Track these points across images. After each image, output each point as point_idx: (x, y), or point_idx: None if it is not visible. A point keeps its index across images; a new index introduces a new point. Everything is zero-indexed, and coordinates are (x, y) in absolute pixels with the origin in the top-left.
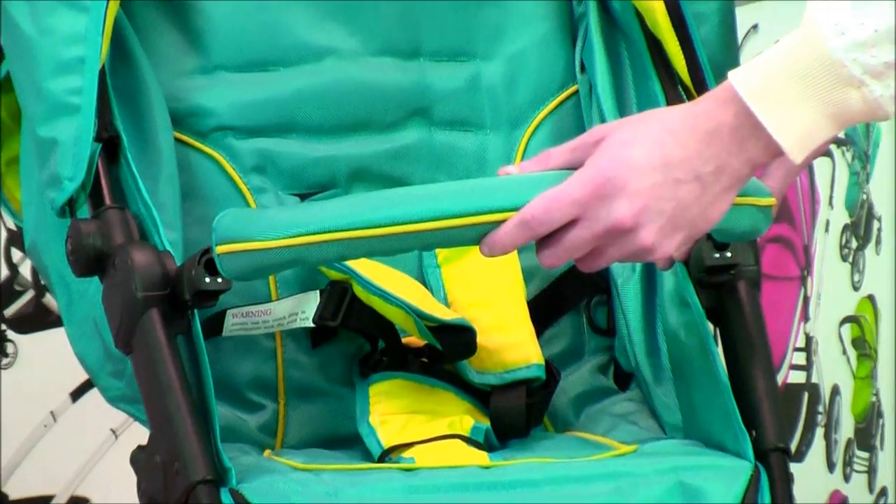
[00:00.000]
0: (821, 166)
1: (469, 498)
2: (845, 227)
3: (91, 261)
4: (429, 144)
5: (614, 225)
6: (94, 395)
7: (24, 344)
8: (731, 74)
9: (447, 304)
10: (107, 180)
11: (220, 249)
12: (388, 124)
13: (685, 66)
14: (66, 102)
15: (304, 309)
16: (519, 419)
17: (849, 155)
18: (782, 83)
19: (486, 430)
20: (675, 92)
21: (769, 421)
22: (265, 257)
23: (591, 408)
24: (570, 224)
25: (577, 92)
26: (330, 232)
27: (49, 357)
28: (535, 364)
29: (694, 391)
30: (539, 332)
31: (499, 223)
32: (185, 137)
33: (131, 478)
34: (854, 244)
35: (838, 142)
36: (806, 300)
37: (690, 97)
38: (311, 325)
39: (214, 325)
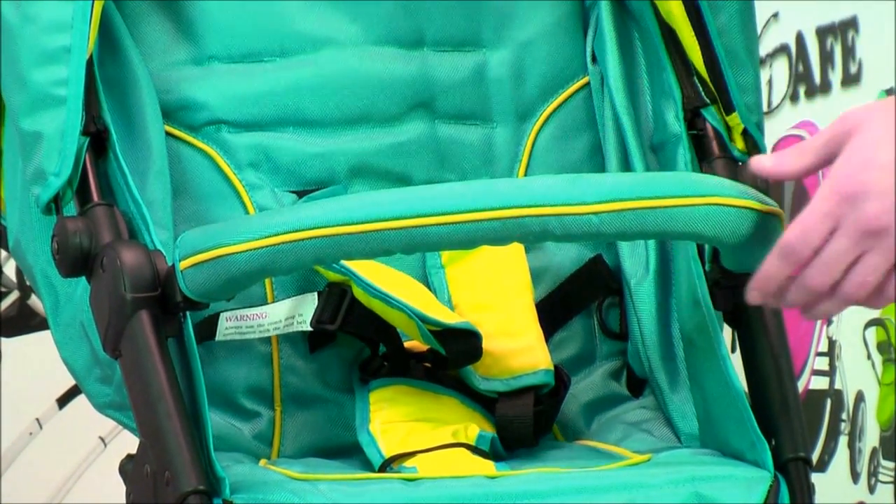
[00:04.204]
0: None
1: None
2: None
3: (78, 261)
4: (432, 139)
5: (868, 225)
6: (81, 401)
7: (8, 348)
8: None
9: (451, 307)
10: (94, 176)
11: (183, 264)
12: (389, 117)
13: (701, 58)
14: (50, 94)
15: (302, 312)
16: (526, 428)
17: None
18: None
19: (492, 439)
20: (691, 83)
21: (789, 429)
22: (233, 265)
23: (603, 415)
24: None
25: (588, 84)
26: (302, 230)
27: (34, 362)
28: (542, 370)
29: (709, 398)
30: (548, 335)
31: (475, 222)
32: (176, 131)
33: (120, 488)
34: None
35: None
36: None
37: (707, 89)
38: (309, 328)
39: (207, 329)
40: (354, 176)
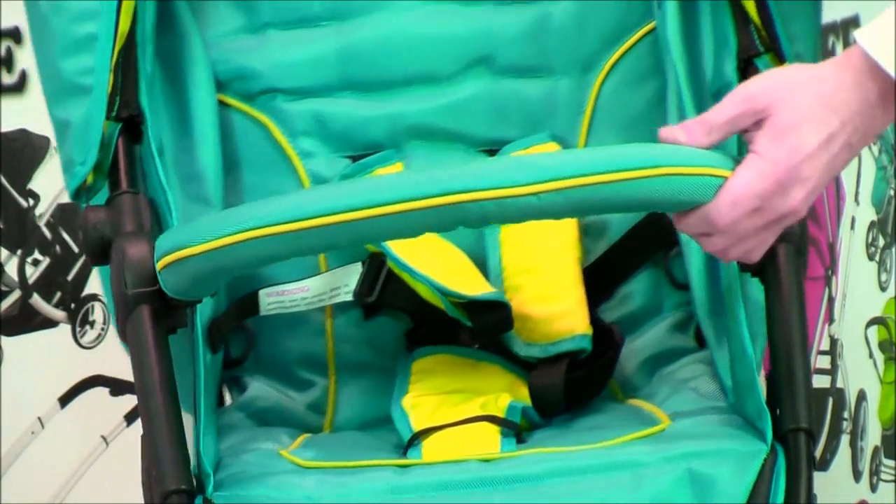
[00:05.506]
0: None
1: (449, 498)
2: (872, 225)
3: (98, 250)
4: (492, 94)
5: (787, 212)
6: (83, 400)
7: (10, 347)
8: (863, 42)
9: (500, 269)
10: (125, 162)
11: (159, 266)
12: (446, 76)
13: (754, 5)
14: (77, 83)
15: (347, 282)
16: (556, 397)
17: (875, 148)
18: None
19: (523, 409)
20: (747, 31)
21: (792, 399)
22: (193, 265)
23: (662, 371)
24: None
25: (654, 30)
26: (248, 231)
27: (36, 361)
28: (579, 335)
29: (733, 359)
30: (612, 290)
31: (412, 212)
32: (232, 101)
33: (122, 486)
34: (881, 242)
35: None
36: (831, 301)
37: (762, 38)
38: (351, 299)
39: (250, 306)
40: (411, 137)
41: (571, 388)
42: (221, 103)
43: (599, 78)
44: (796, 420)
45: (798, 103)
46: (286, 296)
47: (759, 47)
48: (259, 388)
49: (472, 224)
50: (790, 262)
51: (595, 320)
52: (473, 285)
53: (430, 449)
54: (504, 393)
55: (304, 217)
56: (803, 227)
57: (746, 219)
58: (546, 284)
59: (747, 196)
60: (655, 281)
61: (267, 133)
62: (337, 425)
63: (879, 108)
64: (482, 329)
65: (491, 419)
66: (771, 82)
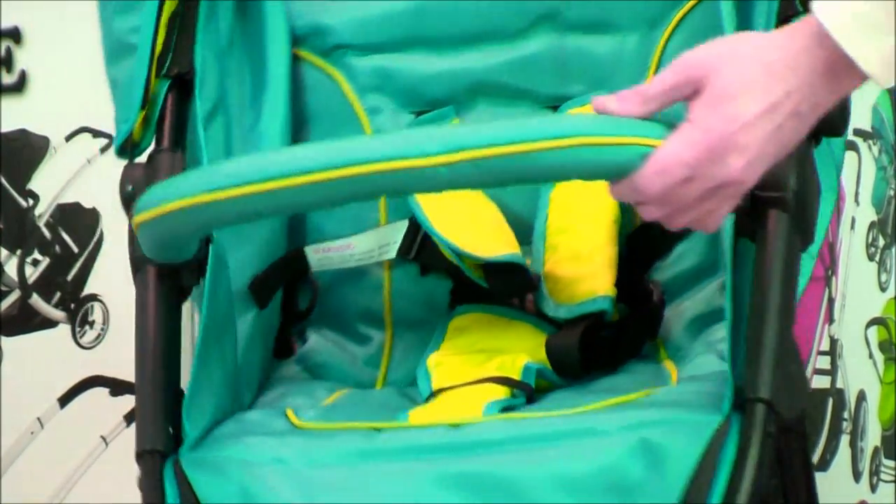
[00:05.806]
0: (846, 161)
1: (412, 463)
2: (872, 225)
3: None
4: (558, 51)
5: (726, 181)
6: (82, 400)
7: (9, 347)
8: (818, 10)
9: (545, 228)
10: (171, 120)
11: (134, 227)
12: (513, 32)
13: None
14: (126, 42)
15: (396, 238)
16: (573, 358)
17: (875, 149)
18: (873, 14)
19: (540, 370)
20: None
21: (755, 369)
22: (151, 227)
23: (705, 331)
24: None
25: None
26: (174, 201)
27: (35, 361)
28: (601, 297)
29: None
30: (667, 248)
31: (324, 182)
32: (307, 55)
33: (122, 487)
34: (881, 242)
35: (865, 135)
36: (830, 301)
37: None
38: (394, 257)
39: (298, 261)
40: (475, 94)
41: (591, 349)
42: (296, 57)
43: (665, 34)
44: (755, 390)
45: (738, 72)
46: (333, 252)
47: (798, 7)
48: (316, 342)
49: (390, 194)
50: (780, 228)
51: (638, 281)
52: (496, 246)
53: (419, 412)
54: (522, 354)
55: (222, 187)
56: (800, 196)
57: (679, 188)
58: (577, 245)
59: (675, 164)
60: (711, 239)
61: (337, 88)
62: (390, 380)
63: (826, 78)
64: (498, 289)
65: (503, 381)
66: (713, 51)
